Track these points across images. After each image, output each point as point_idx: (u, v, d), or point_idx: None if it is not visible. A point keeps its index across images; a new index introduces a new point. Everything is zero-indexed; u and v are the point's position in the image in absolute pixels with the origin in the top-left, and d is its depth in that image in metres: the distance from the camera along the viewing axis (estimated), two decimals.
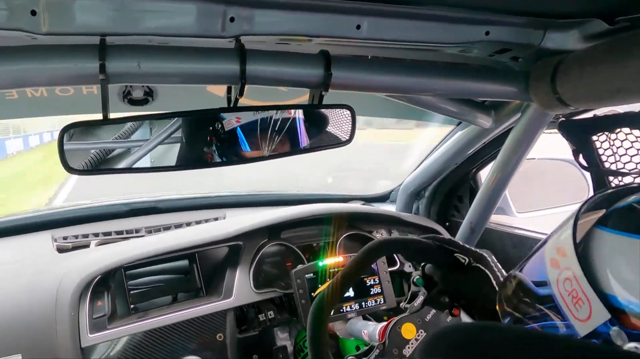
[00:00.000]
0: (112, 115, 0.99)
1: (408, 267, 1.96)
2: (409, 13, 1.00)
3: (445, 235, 2.11)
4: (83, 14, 0.85)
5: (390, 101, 1.52)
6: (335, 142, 1.21)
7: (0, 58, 0.87)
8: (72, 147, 1.08)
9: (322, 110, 1.19)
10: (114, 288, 1.71)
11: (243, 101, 1.05)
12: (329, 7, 0.96)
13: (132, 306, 1.70)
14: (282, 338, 1.78)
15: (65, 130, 1.01)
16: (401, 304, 1.44)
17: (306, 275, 1.65)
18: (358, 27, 0.99)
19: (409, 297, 1.43)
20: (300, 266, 1.68)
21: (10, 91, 1.48)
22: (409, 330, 1.44)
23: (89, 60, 0.89)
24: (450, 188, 2.30)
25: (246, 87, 1.00)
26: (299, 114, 1.18)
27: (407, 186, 2.39)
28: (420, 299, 1.34)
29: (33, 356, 1.53)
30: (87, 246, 1.99)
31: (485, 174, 1.96)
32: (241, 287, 1.74)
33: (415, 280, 1.41)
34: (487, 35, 1.07)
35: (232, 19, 0.92)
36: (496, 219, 2.15)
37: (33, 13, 0.81)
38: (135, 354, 1.61)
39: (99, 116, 0.98)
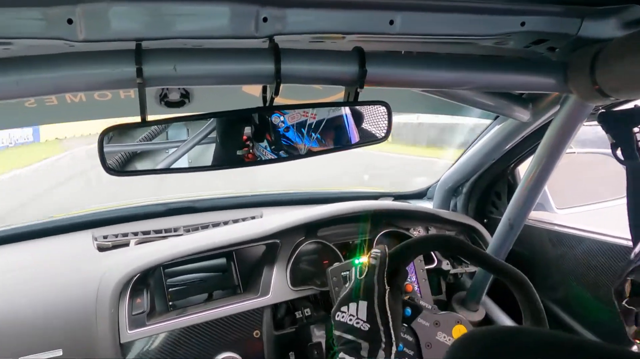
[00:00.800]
0: (149, 118, 1.00)
1: (446, 265, 1.94)
2: (443, 6, 0.99)
3: (484, 232, 2.09)
4: (118, 21, 0.86)
5: (427, 96, 1.49)
6: (372, 139, 1.20)
7: (41, 66, 0.89)
8: (111, 149, 1.10)
9: (358, 107, 1.18)
10: (153, 286, 1.74)
11: (279, 100, 1.04)
12: (361, 3, 0.96)
13: (170, 303, 1.74)
14: (318, 336, 1.77)
15: (105, 133, 1.04)
16: None
17: (342, 273, 1.65)
18: (391, 22, 0.97)
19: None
20: (336, 264, 1.67)
21: (50, 97, 1.52)
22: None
23: (125, 65, 0.90)
24: (488, 184, 2.25)
25: (281, 86, 1.00)
26: (335, 112, 1.17)
27: (445, 183, 2.37)
28: None
29: (73, 351, 1.57)
30: (126, 245, 2.03)
31: (524, 169, 1.93)
32: (278, 285, 1.75)
33: None
34: (522, 26, 1.04)
35: (265, 19, 0.92)
36: (535, 215, 2.11)
37: (70, 22, 0.82)
38: (173, 351, 1.64)
39: (136, 119, 1.00)
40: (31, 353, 1.54)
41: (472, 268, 1.99)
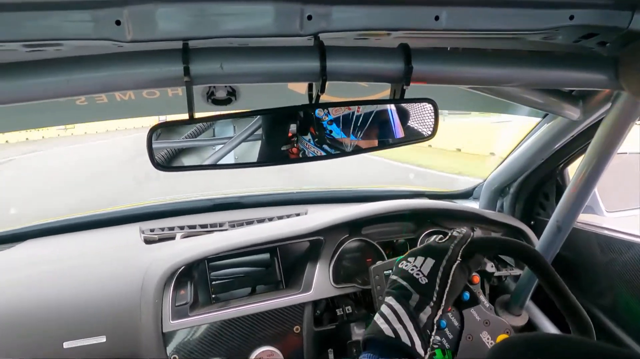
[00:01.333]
0: (197, 115, 1.02)
1: (490, 267, 1.91)
2: (489, 0, 0.96)
3: (530, 235, 2.04)
4: (164, 21, 0.88)
5: (474, 94, 1.47)
6: (419, 137, 1.19)
7: (90, 66, 0.92)
8: (159, 145, 1.13)
9: (404, 104, 1.17)
10: (197, 278, 1.78)
11: (324, 97, 1.05)
12: None
13: (213, 296, 1.77)
14: (358, 334, 1.78)
15: (154, 130, 1.07)
16: None
17: (385, 272, 1.64)
18: (437, 18, 0.95)
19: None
20: (379, 263, 1.67)
21: (100, 96, 1.56)
22: None
23: (173, 64, 0.92)
24: (536, 184, 2.19)
25: (327, 83, 1.00)
26: (382, 109, 1.16)
27: (491, 183, 2.33)
28: None
29: (116, 338, 1.63)
30: (172, 238, 2.09)
31: (573, 170, 1.87)
32: (320, 281, 1.76)
33: None
34: (571, 19, 1.00)
35: (309, 17, 0.92)
36: (584, 218, 2.05)
37: (117, 23, 0.85)
38: (213, 342, 1.67)
39: (184, 116, 1.02)
40: (76, 338, 1.60)
41: (516, 271, 1.94)
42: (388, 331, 1.04)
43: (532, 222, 2.23)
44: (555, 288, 1.13)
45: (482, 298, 1.56)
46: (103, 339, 1.61)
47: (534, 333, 1.83)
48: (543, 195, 2.20)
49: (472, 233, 1.20)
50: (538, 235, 1.91)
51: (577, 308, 1.12)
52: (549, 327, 1.91)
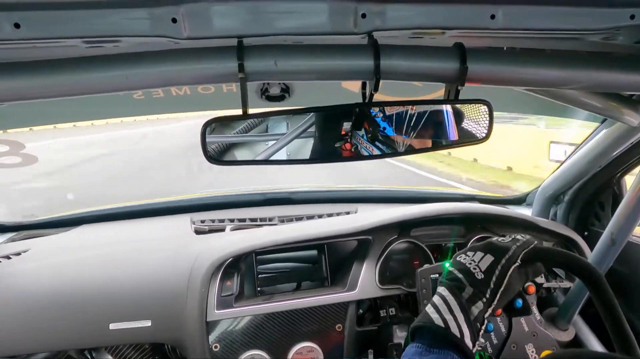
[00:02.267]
0: (250, 111, 1.04)
1: (540, 278, 1.86)
2: None
3: (583, 246, 1.97)
4: (220, 19, 0.89)
5: (530, 96, 1.42)
6: (472, 139, 1.17)
7: (148, 62, 0.94)
8: (213, 139, 1.16)
9: (458, 105, 1.15)
10: (243, 271, 1.81)
11: (378, 96, 1.04)
12: None
13: (258, 288, 1.80)
14: (400, 336, 1.75)
15: (208, 124, 1.10)
16: None
17: (431, 275, 1.62)
18: (493, 16, 0.93)
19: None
20: (426, 266, 1.65)
21: (156, 90, 1.61)
22: None
23: (228, 60, 0.94)
24: (592, 193, 2.10)
25: (381, 82, 0.99)
26: (435, 109, 1.15)
27: (545, 189, 2.26)
28: None
29: (161, 324, 1.67)
30: (222, 230, 2.13)
31: (631, 179, 1.79)
32: (366, 281, 1.75)
33: None
34: (632, 19, 0.95)
35: (363, 15, 0.91)
36: None
37: (174, 20, 0.87)
38: (255, 334, 1.69)
39: (237, 111, 1.04)
40: (122, 320, 1.66)
41: (566, 284, 1.89)
42: (438, 321, 1.04)
43: (585, 233, 2.14)
44: (606, 305, 1.10)
45: (534, 309, 1.52)
46: (148, 323, 1.66)
47: (579, 349, 1.77)
48: (599, 204, 2.12)
49: (535, 241, 1.17)
50: (591, 247, 1.84)
51: (624, 327, 1.08)
52: (595, 345, 1.85)
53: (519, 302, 1.32)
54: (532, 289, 1.64)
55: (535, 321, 1.58)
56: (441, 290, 1.11)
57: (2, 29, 0.83)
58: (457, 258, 1.16)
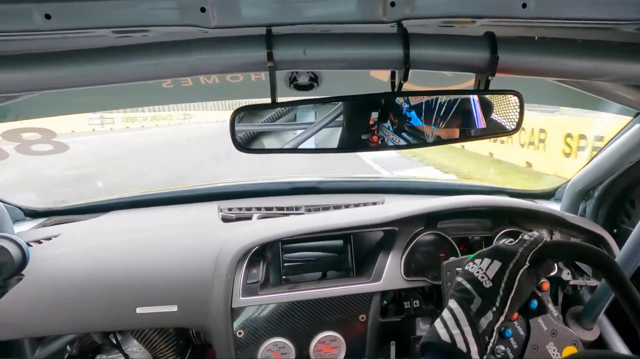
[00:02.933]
0: (279, 100, 1.05)
1: (566, 274, 1.83)
2: None
3: (612, 244, 1.93)
4: (249, 8, 0.90)
5: (561, 87, 1.40)
6: (502, 130, 1.16)
7: (177, 51, 0.96)
8: (242, 127, 1.17)
9: (487, 96, 1.14)
10: (269, 259, 1.82)
11: (407, 86, 1.03)
12: None
13: (284, 277, 1.81)
14: (424, 329, 1.74)
15: (237, 112, 1.11)
16: None
17: (457, 268, 1.61)
18: (524, 5, 0.91)
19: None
20: (452, 259, 1.64)
21: (185, 79, 1.63)
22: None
23: (257, 49, 0.94)
24: (623, 190, 2.05)
25: (410, 71, 0.99)
26: (465, 99, 1.14)
27: (575, 184, 2.21)
28: None
29: (187, 309, 1.70)
30: (249, 218, 2.15)
31: None
32: (391, 272, 1.75)
33: None
34: None
35: (392, 4, 0.90)
36: None
37: (202, 10, 0.87)
38: (279, 322, 1.71)
39: (266, 100, 1.05)
40: (149, 305, 1.69)
41: (593, 282, 1.85)
42: (445, 337, 1.05)
43: (615, 230, 2.09)
44: (630, 302, 1.07)
45: (550, 306, 1.49)
46: (174, 308, 1.68)
47: (603, 350, 1.74)
48: (629, 202, 2.06)
49: (544, 237, 1.16)
50: (620, 245, 1.80)
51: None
52: (620, 346, 1.81)
53: (534, 303, 1.31)
54: (545, 286, 1.61)
55: (553, 318, 1.55)
56: (450, 302, 1.11)
57: (33, 20, 0.85)
58: (465, 268, 1.16)
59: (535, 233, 1.17)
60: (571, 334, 1.55)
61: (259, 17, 0.92)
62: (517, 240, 1.17)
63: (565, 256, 1.28)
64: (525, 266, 1.10)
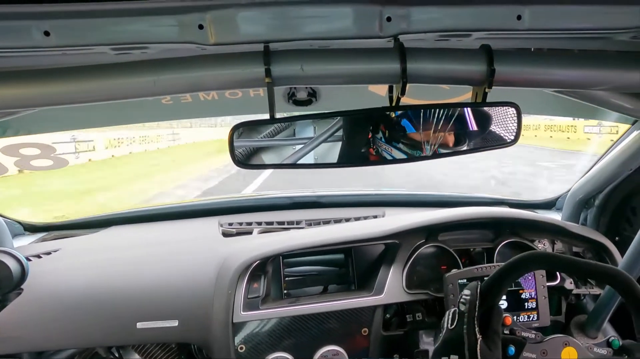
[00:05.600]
0: (278, 115, 1.05)
1: (569, 284, 1.82)
2: None
3: (614, 251, 1.93)
4: (246, 25, 0.90)
5: (558, 97, 1.40)
6: (501, 142, 1.16)
7: (175, 67, 0.96)
8: (241, 143, 1.17)
9: (485, 108, 1.14)
10: (270, 273, 1.81)
11: (405, 100, 1.04)
12: None
13: (285, 291, 1.80)
14: (427, 342, 1.76)
15: (235, 128, 1.11)
16: None
17: (459, 281, 1.61)
18: (519, 17, 0.92)
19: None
20: (454, 271, 1.64)
21: (184, 95, 1.63)
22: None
23: (255, 65, 0.95)
24: (623, 197, 2.04)
25: (407, 85, 0.99)
26: (463, 113, 1.14)
27: (576, 193, 2.20)
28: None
29: (188, 324, 1.69)
30: (250, 233, 2.14)
31: None
32: (393, 285, 1.75)
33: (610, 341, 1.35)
34: None
35: (388, 19, 0.91)
36: None
37: (200, 27, 0.88)
38: (281, 337, 1.70)
39: (265, 116, 1.05)
40: (149, 320, 1.68)
41: (596, 291, 1.85)
42: None
43: (617, 238, 2.08)
44: (573, 264, 1.06)
45: (523, 333, 1.46)
46: (175, 323, 1.68)
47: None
48: (630, 209, 2.05)
49: (477, 291, 1.13)
50: (622, 253, 1.79)
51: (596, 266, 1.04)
52: None
53: (511, 349, 1.29)
54: (508, 320, 1.56)
55: (534, 342, 1.51)
56: None
57: (32, 37, 0.85)
58: None
59: (467, 294, 1.13)
60: (559, 339, 1.51)
61: (257, 34, 0.92)
62: (455, 317, 1.14)
63: (505, 286, 1.23)
64: (479, 339, 1.08)
